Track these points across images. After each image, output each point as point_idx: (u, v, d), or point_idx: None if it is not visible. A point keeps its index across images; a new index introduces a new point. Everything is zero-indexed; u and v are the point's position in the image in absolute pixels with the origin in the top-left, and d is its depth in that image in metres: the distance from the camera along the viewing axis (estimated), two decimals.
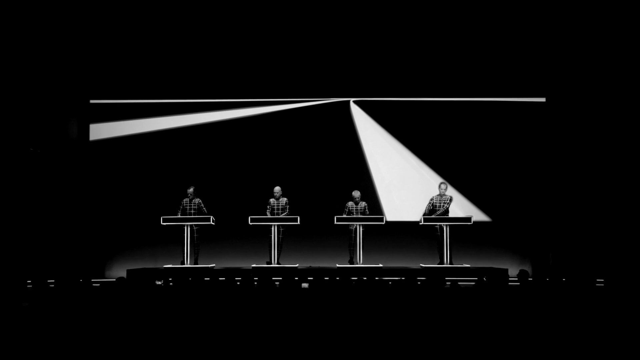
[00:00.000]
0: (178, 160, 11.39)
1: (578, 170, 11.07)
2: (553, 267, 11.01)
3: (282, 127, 11.47)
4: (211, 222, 10.10)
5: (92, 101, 11.45)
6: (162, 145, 11.43)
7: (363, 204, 10.35)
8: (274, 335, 4.81)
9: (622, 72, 10.97)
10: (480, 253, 10.88)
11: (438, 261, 10.19)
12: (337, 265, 10.19)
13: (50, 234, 10.94)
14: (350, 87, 11.45)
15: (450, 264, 10.00)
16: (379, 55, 11.33)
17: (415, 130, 11.43)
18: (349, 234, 10.31)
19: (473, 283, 7.34)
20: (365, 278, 6.36)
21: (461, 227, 10.22)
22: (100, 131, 11.46)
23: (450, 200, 10.29)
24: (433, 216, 10.16)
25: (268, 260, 10.17)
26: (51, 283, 6.05)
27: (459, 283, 5.95)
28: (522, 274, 6.49)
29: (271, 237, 10.11)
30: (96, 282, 7.34)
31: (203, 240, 10.40)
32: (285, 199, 10.33)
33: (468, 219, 10.21)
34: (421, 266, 10.13)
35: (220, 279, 6.38)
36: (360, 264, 10.01)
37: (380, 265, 10.07)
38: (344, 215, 10.22)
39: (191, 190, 10.38)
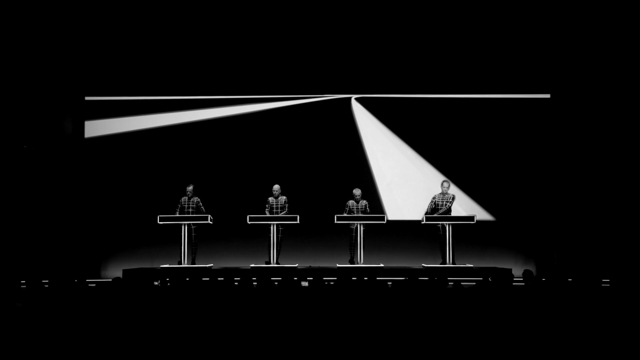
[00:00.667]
0: (175, 158, 11.32)
1: (583, 168, 11.00)
2: (558, 267, 10.93)
3: (281, 124, 11.40)
4: (209, 221, 10.04)
5: (87, 98, 11.39)
6: (159, 142, 11.36)
7: (364, 202, 10.27)
8: (273, 337, 4.77)
9: (628, 68, 10.90)
10: (483, 253, 10.86)
11: (440, 261, 10.13)
12: (338, 265, 10.14)
13: (45, 233, 10.88)
14: (352, 83, 11.37)
15: (452, 263, 9.94)
16: (381, 51, 11.24)
17: (418, 128, 11.36)
18: (350, 233, 10.25)
19: (475, 283, 7.28)
20: (366, 278, 6.28)
21: (464, 226, 10.15)
22: (95, 128, 11.38)
23: (453, 198, 10.21)
24: (435, 215, 10.10)
25: (267, 260, 10.11)
26: (45, 283, 6.02)
27: (462, 283, 5.90)
28: (526, 274, 6.43)
29: (270, 236, 10.05)
30: (92, 282, 7.25)
31: (201, 240, 10.34)
32: (284, 197, 10.26)
33: (471, 218, 10.11)
34: (423, 266, 10.10)
35: (218, 279, 6.32)
36: (361, 263, 9.95)
37: (382, 265, 10.03)
38: (345, 214, 10.16)
39: (190, 188, 10.29)
